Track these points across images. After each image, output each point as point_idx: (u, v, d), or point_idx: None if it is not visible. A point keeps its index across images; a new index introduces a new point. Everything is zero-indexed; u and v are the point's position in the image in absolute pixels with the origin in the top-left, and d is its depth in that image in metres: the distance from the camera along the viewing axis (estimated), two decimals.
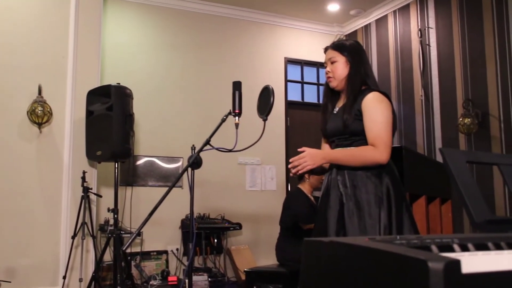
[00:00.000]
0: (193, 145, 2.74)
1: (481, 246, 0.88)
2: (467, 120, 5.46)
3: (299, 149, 2.47)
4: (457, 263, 0.72)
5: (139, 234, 2.28)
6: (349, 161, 2.47)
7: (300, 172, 2.44)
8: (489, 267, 0.76)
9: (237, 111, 2.69)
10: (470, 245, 0.87)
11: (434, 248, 0.84)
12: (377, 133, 2.43)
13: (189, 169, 2.59)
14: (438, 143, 5.99)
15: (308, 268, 0.97)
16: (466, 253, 0.82)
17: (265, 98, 2.66)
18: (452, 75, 5.89)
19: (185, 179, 6.19)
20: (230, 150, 2.61)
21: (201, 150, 2.57)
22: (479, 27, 5.60)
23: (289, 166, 2.46)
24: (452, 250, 0.85)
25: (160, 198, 2.42)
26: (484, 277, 0.75)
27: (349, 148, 2.52)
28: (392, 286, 0.77)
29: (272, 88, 2.66)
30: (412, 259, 0.75)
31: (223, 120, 2.66)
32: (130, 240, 2.25)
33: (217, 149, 2.62)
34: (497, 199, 5.20)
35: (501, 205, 5.16)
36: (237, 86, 2.72)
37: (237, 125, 2.69)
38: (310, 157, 2.43)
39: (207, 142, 2.60)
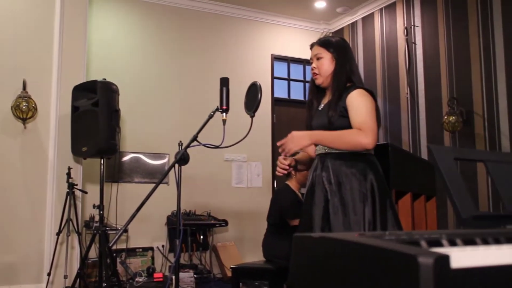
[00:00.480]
0: (180, 141, 2.73)
1: (469, 242, 0.89)
2: (452, 118, 5.51)
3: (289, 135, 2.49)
4: (446, 258, 0.73)
5: (126, 230, 2.27)
6: (334, 142, 2.47)
7: (287, 154, 2.45)
8: (478, 262, 0.77)
9: (224, 107, 2.69)
10: (458, 241, 0.88)
11: (423, 243, 0.85)
12: (362, 119, 2.44)
13: (176, 165, 2.58)
14: (423, 141, 6.04)
15: (298, 264, 0.97)
16: (455, 248, 0.83)
17: (253, 95, 2.66)
18: (437, 73, 5.94)
19: (171, 175, 6.16)
20: (217, 147, 2.61)
21: (188, 146, 2.56)
22: (464, 26, 5.65)
23: (279, 150, 2.47)
24: (441, 245, 0.86)
25: (147, 195, 2.40)
26: (472, 272, 0.75)
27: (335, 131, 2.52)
28: (382, 281, 0.78)
29: (260, 85, 2.66)
30: (402, 254, 0.75)
31: (211, 116, 2.66)
32: (116, 237, 2.24)
33: (204, 145, 2.61)
34: (480, 196, 5.26)
35: (484, 202, 5.22)
36: (224, 82, 2.72)
37: (224, 121, 2.69)
38: (296, 138, 2.44)
39: (195, 138, 2.59)
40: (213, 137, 2.87)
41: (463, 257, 0.77)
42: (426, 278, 0.72)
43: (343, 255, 0.87)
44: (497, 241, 0.91)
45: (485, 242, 0.90)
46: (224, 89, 2.69)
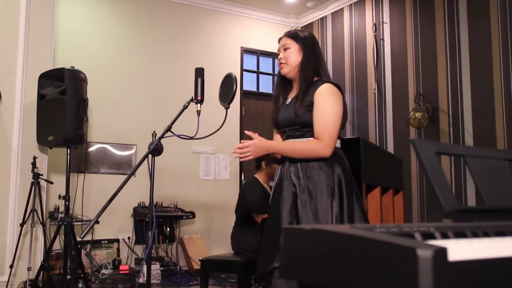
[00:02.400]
0: (154, 132, 2.69)
1: (459, 235, 0.91)
2: (418, 114, 5.62)
3: (246, 132, 2.50)
4: (444, 251, 0.74)
5: (97, 222, 2.22)
6: (293, 154, 2.53)
7: (241, 160, 2.48)
8: (473, 255, 0.78)
9: (199, 98, 2.66)
10: (450, 234, 0.89)
11: (417, 236, 0.86)
12: (324, 127, 2.47)
13: (149, 156, 2.54)
14: (390, 136, 6.13)
15: (289, 256, 0.96)
16: (450, 241, 0.84)
17: (228, 86, 2.64)
18: (405, 70, 6.03)
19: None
20: (191, 138, 2.58)
21: (162, 136, 2.53)
22: (431, 24, 5.76)
23: (232, 152, 2.49)
24: (434, 238, 0.87)
25: (119, 186, 2.36)
26: (468, 265, 0.76)
27: (293, 141, 2.56)
28: (380, 273, 0.78)
29: (235, 76, 2.65)
30: (401, 246, 0.75)
31: (185, 107, 2.63)
32: (88, 228, 2.19)
33: (178, 136, 2.58)
34: None
35: None
36: (199, 73, 2.69)
37: (198, 112, 2.66)
38: (254, 148, 2.48)
39: (169, 129, 2.56)
40: (183, 128, 2.82)
41: (459, 250, 0.77)
42: (425, 270, 0.72)
43: (338, 247, 0.86)
44: (486, 234, 0.93)
45: (475, 235, 0.92)
46: (199, 79, 2.65)
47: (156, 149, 2.49)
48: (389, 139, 6.13)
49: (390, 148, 6.05)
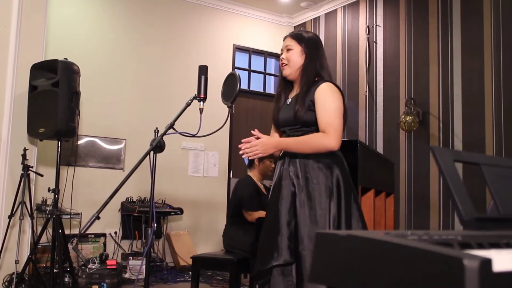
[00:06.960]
0: (156, 128, 2.67)
1: (493, 245, 0.91)
2: (408, 118, 5.66)
3: (253, 132, 2.51)
4: (489, 262, 0.74)
5: (98, 217, 2.20)
6: (301, 149, 2.52)
7: (249, 157, 2.49)
8: None
9: (202, 96, 2.65)
10: (485, 244, 0.89)
11: (456, 245, 0.86)
12: (328, 119, 2.48)
13: (151, 152, 2.53)
14: (380, 139, 6.17)
15: (321, 261, 0.96)
16: (492, 251, 0.84)
17: (231, 85, 2.64)
18: (397, 73, 6.07)
19: (126, 161, 6.04)
20: (193, 135, 2.58)
21: (164, 133, 2.51)
22: (425, 29, 5.80)
23: (240, 147, 2.50)
24: (471, 248, 0.87)
25: (120, 182, 2.34)
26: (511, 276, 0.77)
27: (300, 136, 2.55)
28: (421, 282, 0.78)
29: (239, 75, 2.64)
30: (446, 256, 0.75)
31: (188, 105, 2.61)
32: (89, 223, 2.17)
33: (180, 133, 2.57)
34: (432, 195, 5.44)
35: (435, 200, 5.40)
36: (203, 70, 2.67)
37: (201, 110, 2.65)
38: (262, 145, 2.48)
39: (171, 126, 2.54)
40: (176, 124, 2.79)
41: (501, 260, 0.78)
42: (471, 281, 0.72)
43: (374, 254, 0.86)
44: None
45: (508, 246, 0.92)
46: (203, 77, 2.64)
47: (158, 146, 2.48)
48: (379, 142, 6.17)
49: (380, 151, 6.09)
